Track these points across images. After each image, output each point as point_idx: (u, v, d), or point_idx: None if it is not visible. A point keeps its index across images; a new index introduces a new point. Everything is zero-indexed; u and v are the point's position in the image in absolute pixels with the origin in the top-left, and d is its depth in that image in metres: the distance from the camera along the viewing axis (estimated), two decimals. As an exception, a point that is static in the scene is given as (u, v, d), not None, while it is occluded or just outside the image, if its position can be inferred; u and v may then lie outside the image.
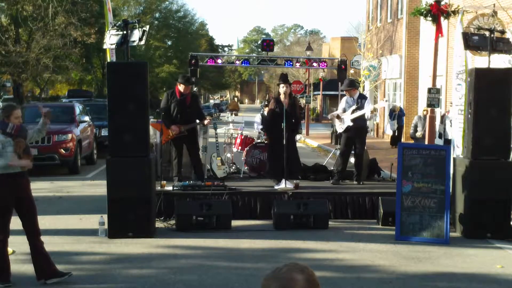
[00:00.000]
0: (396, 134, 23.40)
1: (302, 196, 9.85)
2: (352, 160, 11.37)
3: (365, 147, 12.78)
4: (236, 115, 49.20)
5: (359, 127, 11.13)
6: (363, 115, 11.10)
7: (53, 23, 29.27)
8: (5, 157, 6.40)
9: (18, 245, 7.69)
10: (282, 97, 10.50)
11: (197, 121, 10.73)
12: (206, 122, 10.87)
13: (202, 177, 10.60)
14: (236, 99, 76.67)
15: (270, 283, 2.24)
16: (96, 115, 19.35)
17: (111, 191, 8.47)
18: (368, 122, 11.93)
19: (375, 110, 11.04)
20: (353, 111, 11.13)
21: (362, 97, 11.47)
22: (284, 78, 10.69)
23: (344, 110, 11.32)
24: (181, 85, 10.44)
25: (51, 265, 6.60)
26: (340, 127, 11.36)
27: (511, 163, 8.99)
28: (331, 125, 11.51)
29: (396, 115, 23.31)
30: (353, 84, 11.64)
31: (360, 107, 11.13)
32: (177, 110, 10.37)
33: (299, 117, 10.75)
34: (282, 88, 10.53)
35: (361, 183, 10.97)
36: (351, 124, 11.06)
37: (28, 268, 7.02)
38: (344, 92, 11.63)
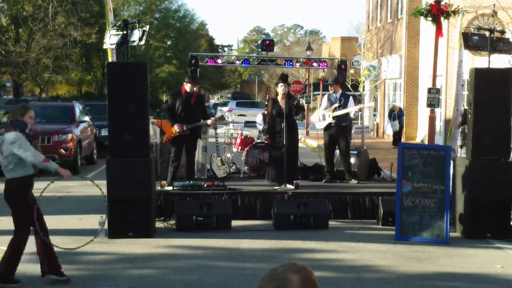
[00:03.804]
0: (396, 134, 23.29)
1: (302, 196, 9.85)
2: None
3: (365, 147, 12.78)
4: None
5: (341, 125, 11.15)
6: (346, 114, 11.15)
7: (53, 23, 29.30)
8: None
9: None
10: (279, 97, 10.47)
11: (202, 120, 10.72)
12: (209, 122, 10.80)
13: (192, 177, 10.63)
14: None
15: (266, 283, 2.24)
16: (96, 115, 19.35)
17: (111, 191, 8.47)
18: (367, 121, 12.07)
19: (360, 110, 11.09)
20: (335, 109, 11.16)
21: (345, 96, 11.49)
22: (283, 78, 10.64)
23: (325, 108, 11.39)
24: (187, 84, 10.47)
25: (14, 267, 6.54)
26: (320, 124, 11.37)
27: (511, 163, 8.99)
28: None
29: (396, 115, 23.20)
30: (339, 81, 11.73)
31: (342, 105, 11.17)
32: (181, 109, 10.37)
33: (298, 102, 10.69)
34: (280, 88, 10.49)
35: (353, 180, 11.01)
36: (333, 121, 11.09)
37: (28, 268, 7.03)
38: (329, 88, 11.60)
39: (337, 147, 11.41)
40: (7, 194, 6.57)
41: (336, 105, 11.16)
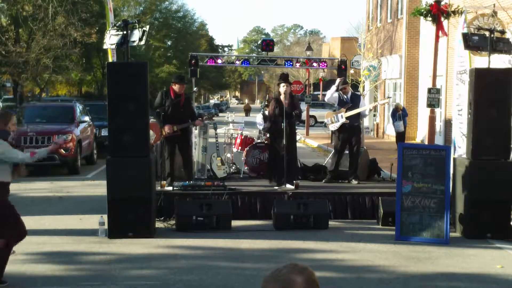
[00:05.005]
0: (399, 135, 22.59)
1: (302, 196, 9.85)
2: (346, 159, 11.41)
3: (365, 147, 12.76)
4: (248, 115, 53.49)
5: (354, 125, 11.21)
6: (358, 113, 11.23)
7: (53, 23, 29.26)
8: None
9: (18, 245, 7.69)
10: (282, 97, 10.50)
11: (190, 121, 10.78)
12: (196, 123, 10.88)
13: (191, 177, 10.64)
14: (246, 101, 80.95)
15: (269, 285, 2.23)
16: (96, 115, 19.36)
17: (111, 191, 8.47)
18: (367, 122, 12.19)
19: (375, 107, 11.21)
20: (347, 110, 11.20)
21: (356, 96, 11.68)
22: (284, 78, 10.71)
23: (333, 110, 11.43)
24: (176, 85, 10.47)
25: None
26: (333, 126, 11.38)
27: (511, 163, 8.99)
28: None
29: (401, 115, 22.42)
30: (347, 82, 11.92)
31: (354, 105, 11.24)
32: (171, 110, 10.39)
33: (300, 111, 10.76)
34: (282, 88, 10.55)
35: (353, 181, 11.00)
36: (346, 122, 11.12)
37: (28, 268, 7.04)
38: (340, 90, 11.54)
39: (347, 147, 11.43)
40: None
41: (348, 105, 11.23)
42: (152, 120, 11.05)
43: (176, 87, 10.45)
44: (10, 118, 6.50)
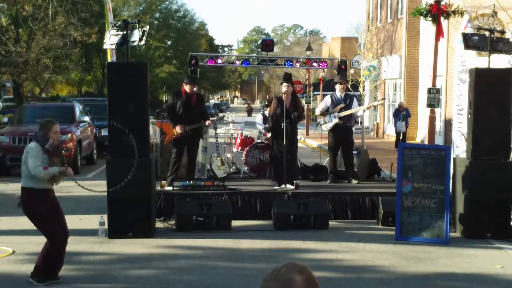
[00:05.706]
0: (400, 135, 22.44)
1: (302, 196, 9.85)
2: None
3: (365, 147, 12.76)
4: (250, 115, 54.08)
5: (347, 126, 11.20)
6: (352, 114, 11.20)
7: (53, 23, 29.24)
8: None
9: (18, 245, 7.70)
10: (284, 96, 10.52)
11: (202, 121, 10.72)
12: (207, 123, 10.83)
13: (192, 177, 10.63)
14: (247, 101, 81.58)
15: (269, 284, 2.23)
16: (96, 115, 19.36)
17: (111, 191, 8.47)
18: (367, 122, 12.17)
19: (369, 108, 11.15)
20: (340, 110, 11.16)
21: (349, 96, 11.56)
22: (287, 78, 10.75)
23: (328, 109, 11.30)
24: (187, 85, 10.47)
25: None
26: (326, 126, 11.34)
27: (511, 163, 8.99)
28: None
29: (404, 115, 22.16)
30: (345, 79, 11.87)
31: (347, 106, 11.19)
32: (183, 110, 10.37)
33: (301, 112, 10.74)
34: (284, 88, 10.58)
35: (357, 181, 11.00)
36: (339, 122, 11.08)
37: (28, 268, 7.02)
38: (339, 87, 11.39)
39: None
40: (21, 201, 6.56)
41: (342, 105, 11.18)
42: (157, 120, 11.01)
43: (187, 87, 10.46)
44: (51, 127, 6.65)
